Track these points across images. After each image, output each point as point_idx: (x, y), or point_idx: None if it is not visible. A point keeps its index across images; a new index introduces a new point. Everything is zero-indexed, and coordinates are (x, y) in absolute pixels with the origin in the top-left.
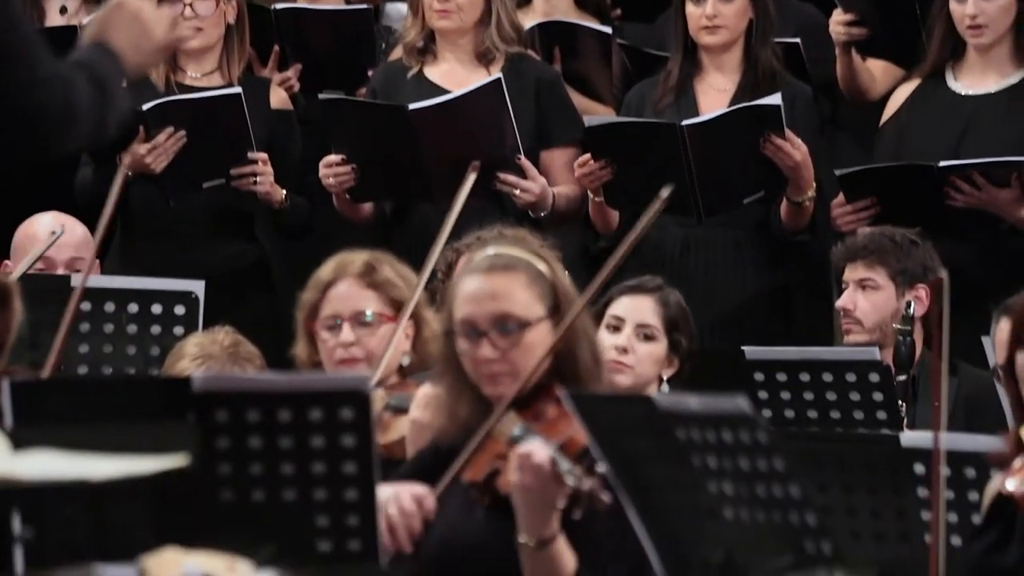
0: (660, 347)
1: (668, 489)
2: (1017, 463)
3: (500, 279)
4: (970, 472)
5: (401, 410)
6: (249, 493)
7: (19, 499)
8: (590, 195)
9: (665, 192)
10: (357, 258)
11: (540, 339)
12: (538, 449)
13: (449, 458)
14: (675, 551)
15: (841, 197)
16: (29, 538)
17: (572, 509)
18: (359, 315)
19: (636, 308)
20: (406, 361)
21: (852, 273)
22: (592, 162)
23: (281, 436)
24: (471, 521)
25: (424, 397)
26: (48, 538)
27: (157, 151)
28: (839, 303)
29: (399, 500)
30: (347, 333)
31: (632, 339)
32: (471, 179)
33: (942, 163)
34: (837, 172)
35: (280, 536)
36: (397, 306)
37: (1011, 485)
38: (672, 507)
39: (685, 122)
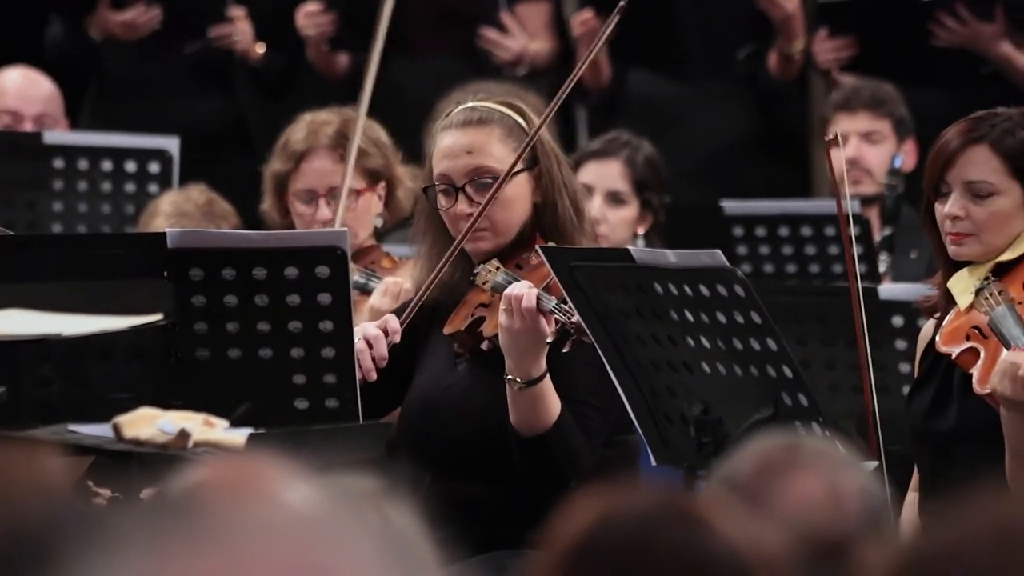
0: (631, 210)
1: (645, 343)
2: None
3: (475, 133)
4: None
5: (365, 291)
6: (225, 351)
7: None
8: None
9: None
10: (328, 125)
11: (519, 192)
12: (525, 291)
13: (432, 315)
14: (653, 406)
15: (822, 33)
16: (3, 396)
17: (561, 344)
18: (334, 190)
19: (604, 174)
20: (379, 223)
21: (853, 124)
22: (593, 18)
23: (257, 293)
24: (453, 375)
25: (389, 286)
26: (23, 396)
27: (131, 28)
28: (848, 155)
29: (364, 330)
30: (324, 210)
31: (603, 208)
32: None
33: None
34: (820, 1)
35: (256, 394)
36: (371, 175)
37: (987, 382)
38: (650, 362)
39: None
